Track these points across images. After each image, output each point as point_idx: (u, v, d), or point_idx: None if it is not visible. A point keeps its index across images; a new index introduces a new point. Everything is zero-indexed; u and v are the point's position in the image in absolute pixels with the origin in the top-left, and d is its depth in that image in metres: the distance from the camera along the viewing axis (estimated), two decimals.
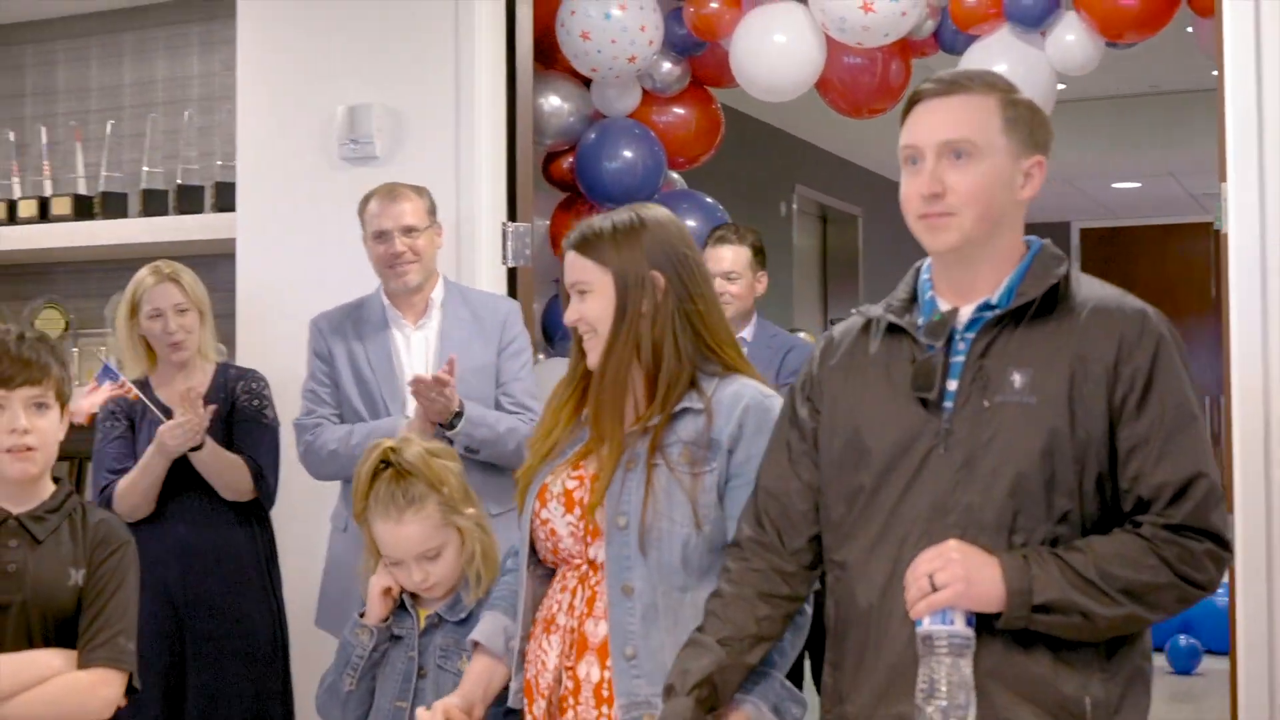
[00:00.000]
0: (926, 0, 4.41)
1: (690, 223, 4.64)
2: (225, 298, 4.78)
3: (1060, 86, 7.54)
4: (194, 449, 3.88)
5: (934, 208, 2.13)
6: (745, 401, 2.43)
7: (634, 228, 2.48)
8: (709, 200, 5.07)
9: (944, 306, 2.19)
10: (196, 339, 4.07)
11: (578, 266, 2.49)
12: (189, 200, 5.15)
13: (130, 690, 2.68)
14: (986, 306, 2.14)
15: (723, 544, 2.40)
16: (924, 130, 2.15)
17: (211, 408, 3.89)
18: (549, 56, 4.76)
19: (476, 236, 4.36)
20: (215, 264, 4.83)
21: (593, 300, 2.47)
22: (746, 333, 4.45)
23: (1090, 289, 2.16)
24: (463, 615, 2.69)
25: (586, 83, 4.90)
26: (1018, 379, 2.08)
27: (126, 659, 2.66)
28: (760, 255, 4.50)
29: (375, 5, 4.54)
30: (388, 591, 2.75)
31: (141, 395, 3.97)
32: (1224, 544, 2.06)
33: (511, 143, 4.46)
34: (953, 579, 2.00)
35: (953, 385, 2.13)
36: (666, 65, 4.90)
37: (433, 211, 3.89)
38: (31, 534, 2.68)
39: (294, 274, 4.61)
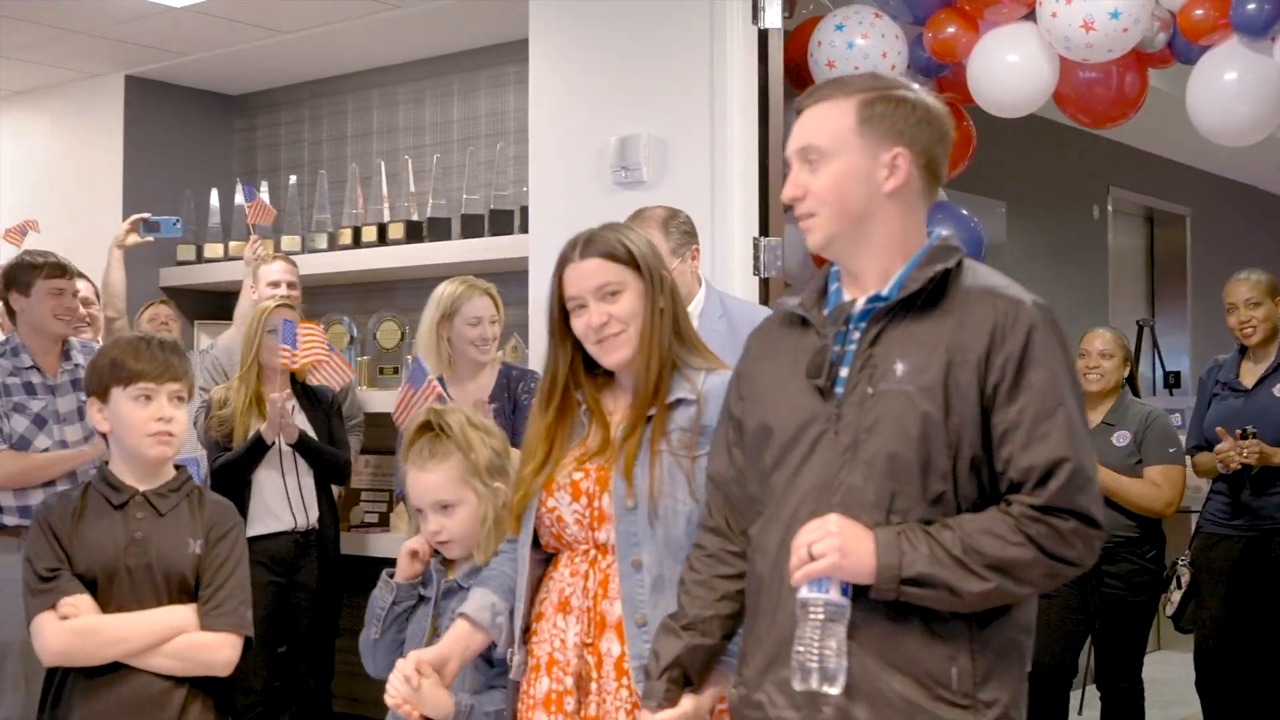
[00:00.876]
0: (1153, 14, 4.49)
1: (944, 233, 4.81)
2: (522, 311, 5.35)
3: None
4: None
5: (798, 210, 2.28)
6: None
7: (639, 235, 2.68)
8: (964, 212, 5.26)
9: (846, 298, 2.30)
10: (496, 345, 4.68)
11: (605, 270, 2.60)
12: (500, 223, 5.67)
13: (246, 646, 3.08)
14: (877, 298, 2.24)
15: None
16: (789, 142, 2.30)
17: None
18: (806, 84, 5.05)
19: (730, 251, 4.70)
20: (524, 279, 5.33)
21: (625, 299, 2.60)
22: None
23: (978, 279, 2.23)
24: None
25: None
26: (900, 368, 2.17)
27: (246, 625, 3.07)
28: None
29: (642, 46, 4.94)
30: (415, 554, 2.97)
31: (443, 392, 4.51)
32: (1091, 522, 2.12)
33: (764, 165, 4.79)
34: (829, 550, 2.10)
35: (845, 373, 2.22)
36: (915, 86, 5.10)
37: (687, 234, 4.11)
38: (155, 507, 3.08)
39: None
